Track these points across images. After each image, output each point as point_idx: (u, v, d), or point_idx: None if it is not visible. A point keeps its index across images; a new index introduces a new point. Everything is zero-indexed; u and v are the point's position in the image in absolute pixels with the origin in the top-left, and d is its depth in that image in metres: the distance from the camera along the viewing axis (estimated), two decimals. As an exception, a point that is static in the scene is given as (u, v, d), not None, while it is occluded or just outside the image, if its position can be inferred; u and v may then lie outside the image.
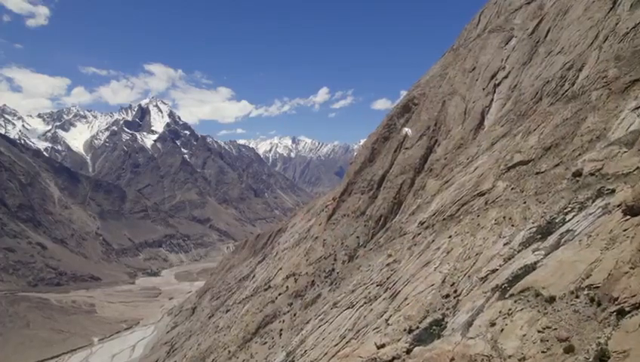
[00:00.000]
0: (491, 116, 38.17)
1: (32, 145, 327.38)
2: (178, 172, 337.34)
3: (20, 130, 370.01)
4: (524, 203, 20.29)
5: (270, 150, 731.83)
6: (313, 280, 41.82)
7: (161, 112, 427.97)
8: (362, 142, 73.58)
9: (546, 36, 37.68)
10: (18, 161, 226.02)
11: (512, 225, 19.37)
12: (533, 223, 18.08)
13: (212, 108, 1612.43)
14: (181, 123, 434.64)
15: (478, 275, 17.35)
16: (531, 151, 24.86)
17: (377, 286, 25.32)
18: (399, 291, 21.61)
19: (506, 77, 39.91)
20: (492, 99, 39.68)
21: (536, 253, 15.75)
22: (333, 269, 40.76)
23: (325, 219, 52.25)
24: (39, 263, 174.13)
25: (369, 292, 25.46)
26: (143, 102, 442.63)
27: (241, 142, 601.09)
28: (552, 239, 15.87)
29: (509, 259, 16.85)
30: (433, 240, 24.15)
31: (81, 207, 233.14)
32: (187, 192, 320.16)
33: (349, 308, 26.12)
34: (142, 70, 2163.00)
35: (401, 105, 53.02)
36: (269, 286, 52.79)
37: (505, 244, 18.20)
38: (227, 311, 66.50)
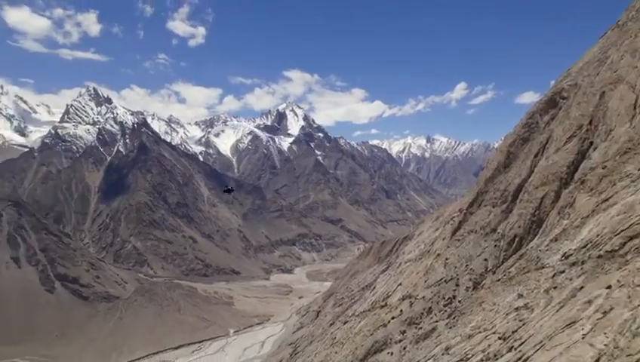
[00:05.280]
0: (675, 110, 28.37)
1: (190, 149, 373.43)
2: (312, 173, 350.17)
3: (181, 137, 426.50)
4: None
5: (403, 150, 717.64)
6: (430, 307, 36.36)
7: (297, 116, 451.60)
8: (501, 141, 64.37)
9: None
10: (177, 165, 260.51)
11: None
12: None
13: (346, 110, 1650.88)
14: (315, 126, 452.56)
15: (658, 367, 11.06)
16: None
17: (500, 339, 19.51)
18: (528, 357, 15.77)
19: (699, 56, 29.45)
20: (676, 87, 29.62)
21: None
22: (454, 297, 34.83)
23: (450, 234, 46.06)
24: (190, 255, 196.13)
25: (488, 345, 19.78)
26: (281, 107, 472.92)
27: (374, 142, 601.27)
28: None
29: None
30: (582, 287, 17.48)
31: (226, 206, 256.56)
32: (320, 193, 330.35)
33: (462, 360, 20.74)
34: (281, 77, 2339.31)
35: (545, 100, 44.03)
36: (385, 304, 48.53)
37: None
38: (345, 322, 63.93)
